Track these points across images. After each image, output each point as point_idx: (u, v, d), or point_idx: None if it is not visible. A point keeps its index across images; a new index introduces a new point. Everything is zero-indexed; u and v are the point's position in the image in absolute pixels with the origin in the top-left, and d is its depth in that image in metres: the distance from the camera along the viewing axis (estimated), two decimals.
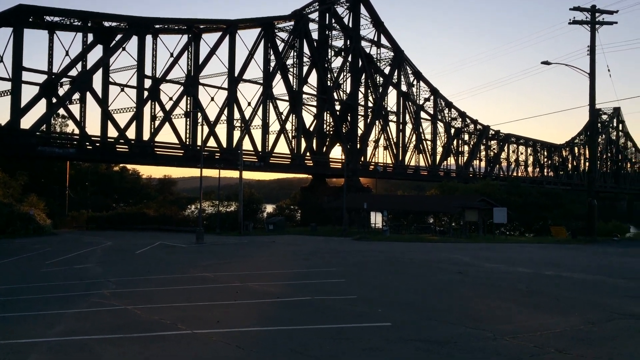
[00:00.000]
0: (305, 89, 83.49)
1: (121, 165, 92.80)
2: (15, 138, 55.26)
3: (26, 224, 49.44)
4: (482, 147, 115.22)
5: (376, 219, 63.50)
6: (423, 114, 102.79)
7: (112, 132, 63.55)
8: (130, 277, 20.39)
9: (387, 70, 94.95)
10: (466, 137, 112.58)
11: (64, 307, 14.13)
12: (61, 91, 61.72)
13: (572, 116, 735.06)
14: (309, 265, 22.70)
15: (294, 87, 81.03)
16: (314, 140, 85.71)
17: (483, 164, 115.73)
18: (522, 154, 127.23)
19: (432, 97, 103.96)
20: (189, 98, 69.76)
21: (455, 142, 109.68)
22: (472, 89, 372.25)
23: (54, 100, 60.52)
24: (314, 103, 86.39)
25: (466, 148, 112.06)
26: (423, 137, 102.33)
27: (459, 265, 21.86)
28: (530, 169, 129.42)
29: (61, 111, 64.75)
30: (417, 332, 10.60)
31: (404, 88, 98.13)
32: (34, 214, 51.25)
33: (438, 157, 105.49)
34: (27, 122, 56.76)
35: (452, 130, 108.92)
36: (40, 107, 59.69)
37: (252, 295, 15.33)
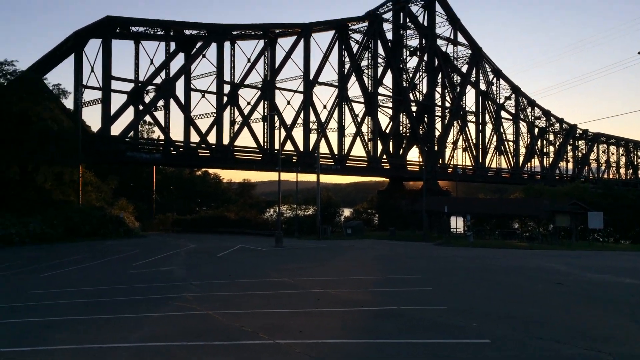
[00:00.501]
0: (381, 90, 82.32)
1: (203, 169, 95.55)
2: (106, 144, 57.63)
3: (117, 227, 51.26)
4: (569, 148, 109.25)
5: (457, 224, 61.37)
6: (504, 114, 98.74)
7: (194, 137, 65.21)
8: (212, 281, 20.28)
9: (464, 68, 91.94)
10: (551, 137, 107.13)
11: (148, 310, 14.03)
12: (147, 98, 64.02)
13: None
14: (392, 272, 21.78)
15: (369, 88, 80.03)
16: (390, 143, 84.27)
17: (570, 165, 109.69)
18: (613, 154, 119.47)
19: (513, 96, 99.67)
20: (266, 102, 70.41)
21: (539, 143, 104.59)
22: (556, 85, 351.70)
23: (141, 107, 62.80)
24: (390, 104, 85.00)
25: (551, 149, 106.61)
26: (504, 138, 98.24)
27: (555, 274, 20.23)
28: (622, 170, 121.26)
29: (147, 117, 67.09)
30: (521, 352, 9.48)
31: (482, 87, 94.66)
32: (124, 217, 53.16)
33: (521, 159, 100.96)
34: (116, 129, 59.67)
35: (536, 130, 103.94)
36: (128, 115, 62.01)
37: (335, 302, 14.63)
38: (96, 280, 21.66)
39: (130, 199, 61.59)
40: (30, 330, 12.39)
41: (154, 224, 67.67)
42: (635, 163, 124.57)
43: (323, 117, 74.92)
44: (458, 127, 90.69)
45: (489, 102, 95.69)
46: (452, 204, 54.65)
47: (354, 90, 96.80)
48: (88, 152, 53.59)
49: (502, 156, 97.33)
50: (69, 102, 59.72)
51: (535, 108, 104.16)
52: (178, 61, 66.45)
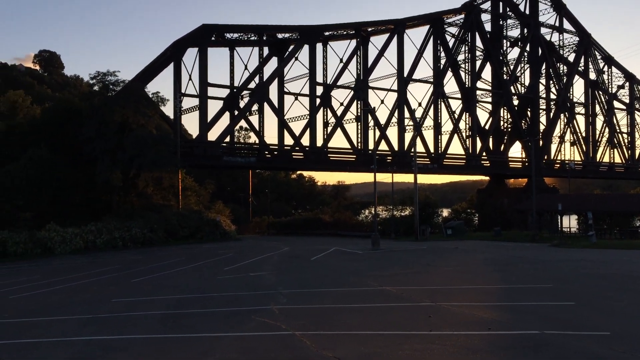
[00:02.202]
0: (479, 84, 76.92)
1: (298, 172, 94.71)
2: (204, 149, 57.67)
3: (213, 230, 50.82)
4: None
5: (569, 222, 55.37)
6: (617, 104, 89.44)
7: (288, 140, 63.91)
8: (303, 289, 17.79)
9: (571, 57, 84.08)
10: None
11: (226, 328, 11.73)
12: (242, 103, 63.59)
13: None
14: (512, 279, 18.20)
15: (467, 83, 75.06)
16: (490, 139, 78.57)
17: None
18: None
19: (627, 84, 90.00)
20: (359, 102, 67.82)
21: None
22: None
23: (236, 112, 62.42)
24: (489, 99, 79.33)
25: None
26: (618, 130, 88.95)
27: None
28: None
29: (242, 122, 66.75)
30: None
31: (592, 76, 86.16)
32: (220, 220, 52.69)
33: (637, 152, 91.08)
34: (213, 134, 59.68)
35: None
36: (224, 120, 61.79)
37: (452, 322, 11.52)
38: (183, 287, 19.95)
39: (226, 203, 61.39)
40: (90, 354, 10.42)
41: (250, 227, 67.16)
42: None
43: (418, 115, 71.08)
44: (565, 120, 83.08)
45: (600, 92, 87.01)
46: (564, 201, 48.98)
47: (450, 86, 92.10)
48: (186, 158, 53.72)
49: (615, 149, 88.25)
50: (168, 110, 60.57)
51: None
52: (271, 65, 65.63)
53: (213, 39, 62.04)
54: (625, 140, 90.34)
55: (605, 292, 14.87)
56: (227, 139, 62.47)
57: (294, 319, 12.39)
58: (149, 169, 47.66)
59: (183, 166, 52.71)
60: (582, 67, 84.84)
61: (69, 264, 31.62)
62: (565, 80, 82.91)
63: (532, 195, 44.90)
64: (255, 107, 64.65)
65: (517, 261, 24.21)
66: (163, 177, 51.69)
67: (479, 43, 75.56)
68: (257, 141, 65.57)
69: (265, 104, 63.52)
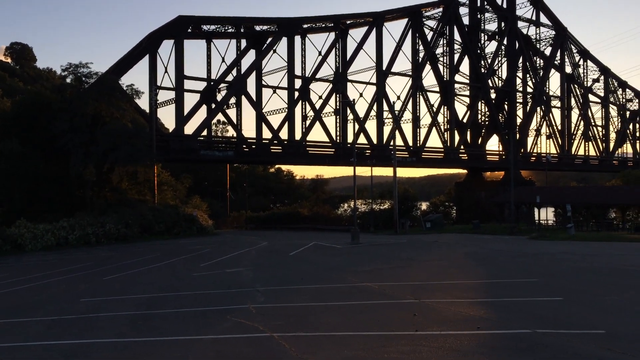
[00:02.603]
0: (457, 78, 76.84)
1: (276, 166, 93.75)
2: (180, 143, 56.42)
3: (190, 225, 49.79)
4: None
5: (546, 215, 55.55)
6: (592, 97, 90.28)
7: (266, 134, 63.04)
8: (282, 286, 17.06)
9: (547, 51, 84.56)
10: None
11: (199, 330, 10.95)
12: (219, 96, 62.39)
13: None
14: (495, 274, 17.71)
15: (445, 77, 74.90)
16: (468, 132, 78.64)
17: None
18: None
19: (602, 78, 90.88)
20: (338, 95, 67.14)
21: (631, 127, 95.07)
22: None
23: (213, 105, 61.22)
24: (467, 93, 79.35)
25: None
26: (593, 123, 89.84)
27: None
28: None
29: (220, 116, 65.52)
30: None
31: (568, 70, 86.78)
32: (197, 215, 51.65)
33: (611, 145, 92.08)
34: (190, 128, 58.51)
35: (628, 114, 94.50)
36: (201, 113, 60.48)
37: (438, 320, 10.91)
38: (156, 284, 19.07)
39: (204, 197, 60.31)
40: None
41: (228, 222, 66.18)
42: None
43: (397, 108, 70.73)
44: (541, 113, 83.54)
45: (575, 86, 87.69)
46: (542, 194, 49.00)
47: (429, 79, 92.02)
48: (162, 152, 52.53)
49: (589, 142, 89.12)
50: (144, 103, 59.14)
51: (627, 90, 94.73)
52: (249, 58, 64.57)
53: (189, 31, 60.66)
54: (600, 134, 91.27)
55: (594, 287, 14.43)
56: (204, 133, 61.36)
57: (272, 319, 11.67)
58: (123, 163, 46.35)
59: (159, 160, 51.48)
60: (559, 61, 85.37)
61: (39, 262, 30.43)
62: (541, 73, 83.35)
63: (510, 188, 44.77)
64: (232, 100, 63.60)
65: (499, 255, 23.80)
66: (138, 171, 50.38)
67: (457, 36, 75.50)
68: (235, 135, 64.55)
69: (243, 97, 62.52)
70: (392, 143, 58.73)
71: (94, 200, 47.67)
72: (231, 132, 75.81)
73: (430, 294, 13.96)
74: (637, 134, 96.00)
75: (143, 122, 56.27)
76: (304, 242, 35.82)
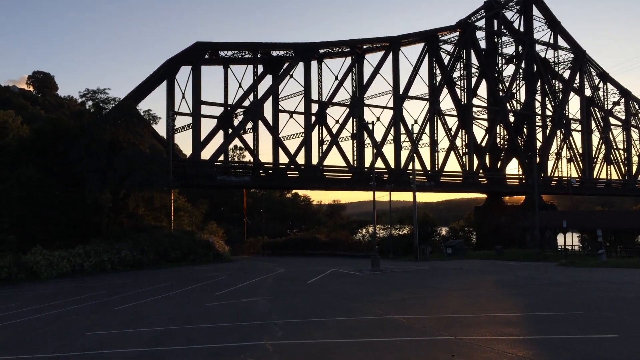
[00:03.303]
0: (475, 101, 75.66)
1: (293, 191, 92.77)
2: (197, 169, 55.76)
3: (206, 251, 48.76)
4: None
5: (572, 240, 53.48)
6: (613, 120, 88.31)
7: (283, 159, 62.17)
8: (301, 319, 15.74)
9: (566, 74, 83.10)
10: None
11: None
12: (236, 122, 61.83)
13: None
14: (533, 305, 16.19)
15: (462, 100, 73.75)
16: (487, 156, 77.08)
17: None
18: None
19: (622, 100, 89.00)
20: (354, 119, 66.26)
21: None
22: None
23: (230, 130, 60.65)
24: (485, 116, 78.04)
25: None
26: (614, 146, 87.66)
27: None
28: None
29: (237, 141, 64.92)
30: None
31: (587, 92, 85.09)
32: (213, 241, 50.63)
33: (634, 168, 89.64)
34: (207, 153, 57.97)
35: None
36: (218, 138, 59.89)
37: None
38: (168, 316, 17.86)
39: (220, 223, 59.30)
40: None
41: (244, 248, 64.97)
42: None
43: (414, 132, 69.59)
44: (561, 137, 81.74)
45: (596, 109, 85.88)
46: (568, 219, 47.13)
47: (446, 103, 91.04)
48: (179, 177, 51.85)
49: (611, 166, 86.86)
50: (162, 129, 58.78)
51: None
52: (266, 83, 64.17)
53: (207, 56, 60.55)
54: (622, 157, 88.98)
55: None
56: (221, 158, 60.63)
57: (291, 358, 10.36)
58: (139, 188, 45.61)
59: (175, 186, 50.72)
60: (578, 84, 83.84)
61: (53, 290, 29.45)
62: (560, 96, 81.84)
63: (536, 212, 43.03)
64: (249, 125, 62.93)
65: (531, 283, 22.22)
66: (154, 197, 49.64)
67: (474, 60, 74.58)
68: (252, 160, 63.75)
69: (260, 122, 61.82)
70: (410, 167, 57.47)
71: (110, 227, 46.90)
72: (248, 157, 75.17)
73: (466, 329, 12.54)
74: None
75: (160, 147, 55.80)
76: (322, 269, 34.48)
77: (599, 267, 30.24)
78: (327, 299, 20.06)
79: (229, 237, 58.55)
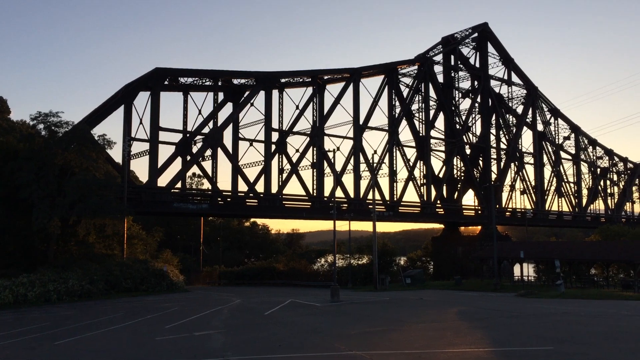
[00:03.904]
0: (433, 133, 76.50)
1: (251, 220, 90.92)
2: (153, 195, 53.82)
3: (160, 281, 46.50)
4: (635, 188, 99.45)
5: (528, 270, 53.67)
6: (563, 154, 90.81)
7: (242, 187, 60.86)
8: (257, 355, 14.44)
9: (520, 109, 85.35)
10: (615, 177, 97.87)
11: None
12: (195, 149, 60.35)
13: None
14: (501, 339, 15.35)
15: (421, 132, 74.43)
16: (444, 187, 77.66)
17: (638, 206, 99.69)
18: None
19: (572, 135, 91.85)
20: (315, 149, 65.72)
21: (602, 183, 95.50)
22: (620, 120, 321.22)
23: (188, 157, 59.10)
24: (442, 148, 78.93)
25: (616, 189, 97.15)
26: (565, 179, 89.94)
27: None
28: None
29: (196, 170, 63.30)
30: None
31: (540, 127, 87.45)
32: (167, 271, 48.44)
33: (584, 201, 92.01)
34: (164, 180, 56.00)
35: (598, 171, 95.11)
36: (176, 166, 58.15)
37: None
38: (111, 353, 16.20)
39: (176, 251, 57.08)
40: None
41: (200, 277, 62.71)
42: None
43: (374, 163, 69.55)
44: (515, 169, 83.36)
45: (547, 143, 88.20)
46: (522, 249, 47.27)
47: (405, 134, 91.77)
48: (134, 204, 49.80)
49: (562, 198, 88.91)
50: (117, 155, 56.64)
51: (597, 147, 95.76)
52: (226, 110, 63.15)
53: (166, 83, 59.25)
54: (572, 190, 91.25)
55: (624, 357, 12.19)
56: (179, 185, 58.80)
57: None
58: (91, 215, 43.27)
59: (129, 213, 48.55)
60: (530, 119, 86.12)
61: None
62: (514, 130, 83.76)
63: (494, 243, 42.94)
64: (208, 152, 61.49)
65: (495, 315, 21.49)
66: (107, 224, 47.31)
67: (432, 93, 75.64)
68: (210, 187, 62.14)
69: (219, 149, 60.49)
70: (369, 197, 57.01)
71: (58, 255, 44.26)
72: (206, 185, 73.44)
73: None
74: (608, 191, 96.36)
75: (115, 173, 53.58)
76: (280, 300, 33.07)
77: (558, 298, 29.94)
78: (285, 333, 18.77)
79: (185, 266, 56.34)
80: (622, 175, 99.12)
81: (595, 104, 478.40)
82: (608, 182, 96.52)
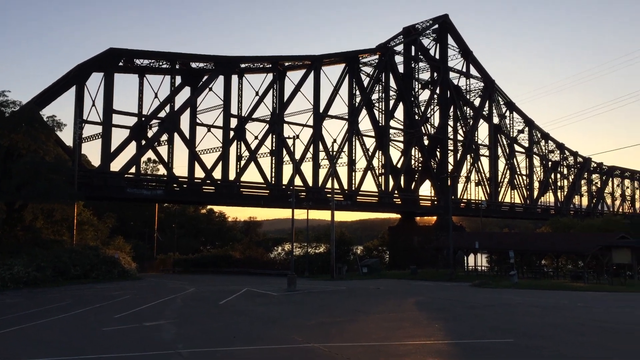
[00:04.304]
0: (392, 123, 76.68)
1: (208, 207, 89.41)
2: (105, 180, 51.92)
3: (111, 268, 45.01)
4: (583, 182, 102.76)
5: (481, 261, 54.60)
6: (517, 147, 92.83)
7: (199, 173, 59.44)
8: (211, 347, 13.78)
9: (477, 101, 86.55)
10: (565, 170, 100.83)
11: None
12: (150, 133, 58.48)
13: None
14: (460, 331, 15.18)
15: (380, 122, 74.49)
16: (402, 177, 78.12)
17: (585, 199, 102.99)
18: (627, 188, 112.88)
19: (526, 129, 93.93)
20: (274, 136, 64.82)
21: (553, 176, 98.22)
22: (572, 115, 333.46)
23: (143, 142, 57.22)
24: (401, 138, 79.31)
25: (565, 182, 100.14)
26: (517, 172, 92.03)
27: None
28: (637, 205, 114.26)
29: (151, 155, 61.41)
30: None
31: (495, 120, 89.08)
32: (119, 258, 46.92)
33: (535, 193, 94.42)
34: (118, 164, 54.21)
35: (549, 164, 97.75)
36: (130, 150, 56.33)
37: None
38: (54, 344, 15.23)
39: (129, 238, 55.33)
40: None
41: (154, 265, 61.19)
42: None
43: (333, 151, 69.13)
44: (471, 161, 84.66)
45: (502, 136, 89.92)
46: (476, 240, 47.92)
47: (364, 123, 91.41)
48: (85, 189, 47.89)
49: (515, 190, 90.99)
50: (68, 138, 54.31)
51: (549, 141, 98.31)
52: (184, 95, 61.42)
53: (121, 64, 57.03)
54: (525, 182, 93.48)
55: (585, 351, 12.12)
56: (133, 170, 56.93)
57: None
58: (39, 199, 41.29)
59: (80, 198, 46.61)
60: (487, 112, 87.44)
61: None
62: (471, 123, 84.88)
63: (449, 233, 43.32)
64: (164, 137, 59.68)
65: (452, 305, 21.45)
66: (55, 209, 45.35)
67: (392, 83, 75.67)
68: (166, 173, 60.47)
69: (176, 134, 58.83)
70: (328, 186, 56.69)
71: (3, 240, 42.12)
72: (162, 171, 71.47)
73: None
74: (559, 184, 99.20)
75: (65, 157, 51.34)
76: (236, 288, 32.37)
77: (512, 288, 30.36)
78: (240, 323, 18.14)
79: (138, 254, 54.74)
80: (572, 169, 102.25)
81: (549, 99, 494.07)
82: (558, 176, 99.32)
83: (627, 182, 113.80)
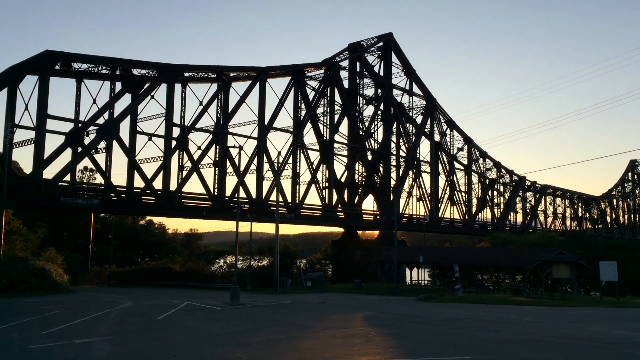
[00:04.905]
0: (337, 137, 76.60)
1: (147, 218, 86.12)
2: (37, 188, 48.76)
3: (41, 280, 42.34)
4: (518, 199, 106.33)
5: (424, 275, 54.87)
6: (457, 164, 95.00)
7: (139, 183, 56.92)
8: None
9: (419, 119, 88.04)
10: (501, 188, 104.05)
11: None
12: (87, 140, 55.58)
13: (612, 165, 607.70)
14: (414, 347, 14.53)
15: (325, 136, 74.27)
16: (346, 191, 78.03)
17: (520, 216, 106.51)
18: (559, 206, 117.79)
19: (465, 147, 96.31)
20: (217, 147, 63.17)
21: (490, 193, 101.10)
22: (508, 135, 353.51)
23: (80, 149, 54.29)
24: (345, 153, 79.37)
25: (502, 199, 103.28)
26: (457, 189, 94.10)
27: None
28: (568, 222, 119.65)
29: (88, 163, 58.37)
30: None
31: (437, 137, 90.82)
32: (49, 270, 44.08)
33: (473, 209, 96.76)
34: (51, 172, 50.96)
35: (487, 181, 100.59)
36: (66, 157, 53.31)
37: None
38: None
39: (62, 250, 52.21)
40: None
41: (89, 277, 57.99)
42: (580, 215, 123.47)
43: (277, 164, 68.26)
44: (413, 177, 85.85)
45: (443, 153, 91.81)
46: (419, 254, 48.10)
47: (309, 137, 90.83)
48: (15, 196, 44.83)
49: (454, 206, 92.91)
50: None
51: (487, 159, 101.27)
52: (124, 102, 58.77)
53: (57, 67, 54.10)
54: (463, 199, 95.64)
55: None
56: (67, 178, 53.87)
57: None
58: None
59: (8, 206, 43.67)
60: (428, 129, 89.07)
61: None
62: (413, 139, 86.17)
63: (394, 247, 43.20)
64: (102, 145, 56.83)
65: (402, 320, 20.90)
66: None
67: (337, 98, 75.71)
68: (103, 182, 57.58)
69: (115, 142, 56.12)
70: (272, 198, 55.59)
71: None
72: (99, 179, 68.15)
73: None
74: (495, 201, 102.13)
75: None
76: (175, 303, 30.74)
77: (457, 302, 30.27)
78: (180, 341, 16.82)
79: (71, 265, 51.64)
80: (508, 187, 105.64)
81: (487, 118, 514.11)
82: (495, 193, 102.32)
83: (558, 200, 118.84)
